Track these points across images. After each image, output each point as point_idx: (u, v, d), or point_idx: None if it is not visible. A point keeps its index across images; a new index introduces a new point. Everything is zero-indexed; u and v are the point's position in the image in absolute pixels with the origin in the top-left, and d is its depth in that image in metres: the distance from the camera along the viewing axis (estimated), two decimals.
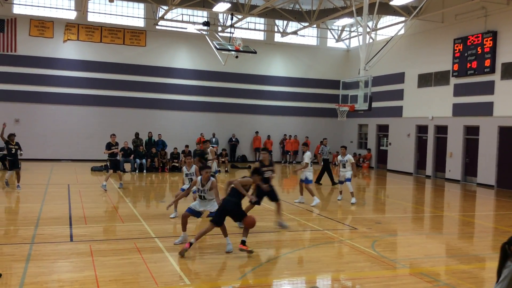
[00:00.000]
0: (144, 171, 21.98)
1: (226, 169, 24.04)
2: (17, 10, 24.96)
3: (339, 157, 14.87)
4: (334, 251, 8.84)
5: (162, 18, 24.91)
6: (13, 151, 15.26)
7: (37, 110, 25.23)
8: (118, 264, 7.53)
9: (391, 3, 20.68)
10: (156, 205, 13.92)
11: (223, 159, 24.17)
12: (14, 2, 24.70)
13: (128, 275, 6.99)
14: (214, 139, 27.38)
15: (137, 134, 23.74)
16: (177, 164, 22.91)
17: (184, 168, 11.55)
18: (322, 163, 19.53)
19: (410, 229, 11.53)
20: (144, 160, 22.18)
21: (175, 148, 23.37)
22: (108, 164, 17.08)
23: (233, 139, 28.46)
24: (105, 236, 9.44)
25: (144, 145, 23.45)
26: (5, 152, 16.15)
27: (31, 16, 25.00)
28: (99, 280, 6.69)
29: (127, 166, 22.24)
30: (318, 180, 18.96)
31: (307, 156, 14.01)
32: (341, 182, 14.91)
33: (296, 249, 8.86)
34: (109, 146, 16.69)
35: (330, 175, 19.27)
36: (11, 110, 24.56)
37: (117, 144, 17.00)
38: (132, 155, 22.16)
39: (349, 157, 14.73)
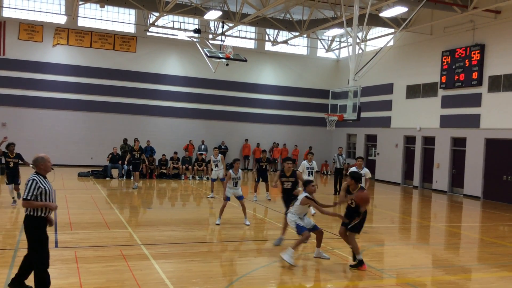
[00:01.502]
0: (132, 177, 21.79)
1: None
2: (6, 13, 24.76)
3: (355, 170, 11.06)
4: (321, 260, 8.82)
5: (153, 24, 24.89)
6: (11, 165, 13.17)
7: (25, 114, 24.97)
8: (103, 271, 7.44)
9: (380, 14, 20.91)
10: (143, 212, 13.81)
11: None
12: (4, 5, 24.53)
13: (113, 283, 6.92)
14: (203, 146, 27.32)
15: (125, 140, 23.57)
16: (165, 171, 22.77)
17: (231, 172, 11.70)
18: (334, 172, 19.26)
19: (397, 239, 11.56)
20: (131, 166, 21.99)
21: (164, 155, 23.25)
22: (131, 167, 19.38)
23: (223, 147, 28.41)
24: (91, 243, 9.33)
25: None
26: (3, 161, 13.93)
27: (20, 20, 24.81)
28: (83, 287, 6.60)
29: (115, 172, 22.08)
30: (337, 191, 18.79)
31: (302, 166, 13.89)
32: None
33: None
34: (131, 151, 19.11)
35: (340, 184, 18.80)
36: None
37: (140, 149, 19.02)
38: (120, 161, 22.07)
39: (366, 171, 12.32)
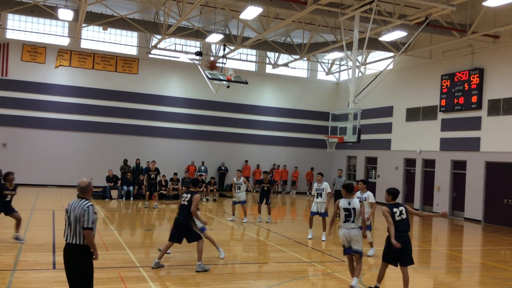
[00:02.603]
0: (131, 198, 21.74)
1: (214, 197, 23.84)
2: (10, 35, 25.06)
3: (359, 194, 11.30)
4: (321, 283, 8.74)
5: (155, 47, 25.15)
6: (8, 198, 10.86)
7: (26, 135, 25.03)
8: None
9: (380, 39, 21.15)
10: (141, 234, 13.72)
11: (211, 188, 24.02)
12: (7, 27, 24.85)
13: None
14: (203, 167, 27.31)
15: (125, 161, 23.58)
16: (164, 192, 22.70)
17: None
18: (334, 194, 19.07)
19: None
20: (131, 187, 21.97)
21: (164, 176, 23.17)
22: (146, 187, 19.62)
23: (223, 168, 28.41)
24: None
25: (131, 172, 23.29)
26: None
27: (23, 41, 25.10)
28: None
29: (114, 193, 22.02)
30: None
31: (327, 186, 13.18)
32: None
33: (283, 281, 8.74)
34: (147, 172, 19.33)
35: None
36: None
37: (156, 169, 19.25)
38: (119, 182, 22.04)
39: (369, 194, 11.42)
